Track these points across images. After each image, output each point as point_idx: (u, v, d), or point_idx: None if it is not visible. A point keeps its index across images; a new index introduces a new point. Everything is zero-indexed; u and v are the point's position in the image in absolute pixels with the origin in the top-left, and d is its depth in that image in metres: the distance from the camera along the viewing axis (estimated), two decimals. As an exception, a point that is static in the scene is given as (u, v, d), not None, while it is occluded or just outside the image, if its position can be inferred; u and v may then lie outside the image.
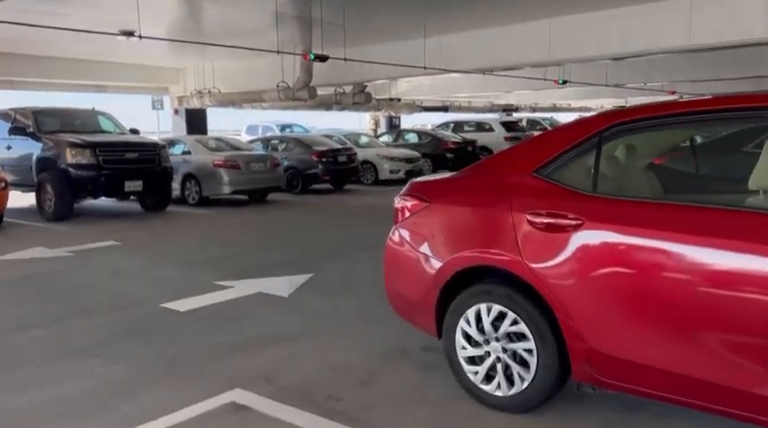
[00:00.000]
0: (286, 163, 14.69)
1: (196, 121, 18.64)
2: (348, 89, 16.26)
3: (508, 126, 21.09)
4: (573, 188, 3.08)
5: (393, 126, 24.38)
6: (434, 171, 19.00)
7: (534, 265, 3.05)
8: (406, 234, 3.69)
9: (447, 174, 3.95)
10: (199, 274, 6.71)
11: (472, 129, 21.62)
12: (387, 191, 15.06)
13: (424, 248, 3.55)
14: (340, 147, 16.01)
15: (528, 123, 24.27)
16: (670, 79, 18.31)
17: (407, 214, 3.70)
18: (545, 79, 14.66)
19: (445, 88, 22.93)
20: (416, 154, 17.75)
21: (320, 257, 7.57)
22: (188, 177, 12.65)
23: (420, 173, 17.79)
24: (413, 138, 20.21)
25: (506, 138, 20.66)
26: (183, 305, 5.55)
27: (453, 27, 11.69)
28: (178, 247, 8.51)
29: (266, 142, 16.18)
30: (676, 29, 9.59)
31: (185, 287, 6.13)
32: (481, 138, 20.33)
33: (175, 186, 12.38)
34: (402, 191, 3.84)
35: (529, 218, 3.11)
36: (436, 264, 3.45)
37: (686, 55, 17.17)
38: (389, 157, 17.08)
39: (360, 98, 15.69)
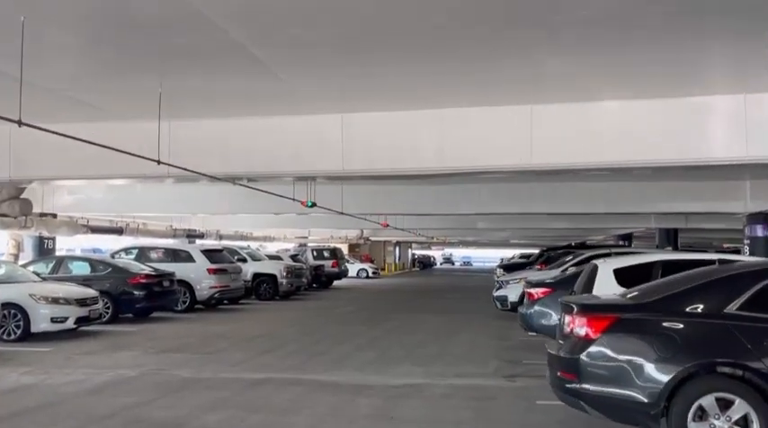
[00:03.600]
0: None
1: None
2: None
3: (211, 255, 16.85)
4: None
5: (45, 250, 17.85)
6: (116, 315, 13.50)
7: None
8: None
9: None
10: None
11: (163, 257, 16.73)
12: (49, 354, 9.24)
13: None
14: (-34, 282, 9.79)
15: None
16: (394, 210, 16.79)
17: None
18: (294, 199, 11.33)
19: (124, 204, 17.85)
20: (92, 292, 12.22)
21: None
22: None
23: (98, 319, 12.14)
24: (82, 268, 14.42)
25: (211, 271, 16.33)
26: None
27: (201, 111, 7.64)
28: None
29: None
30: (516, 144, 7.29)
31: None
32: (179, 270, 15.60)
33: None
34: None
35: None
36: None
37: (414, 187, 15.90)
38: (50, 298, 11.24)
39: (12, 208, 9.89)
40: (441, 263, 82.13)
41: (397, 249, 53.51)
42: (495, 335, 11.97)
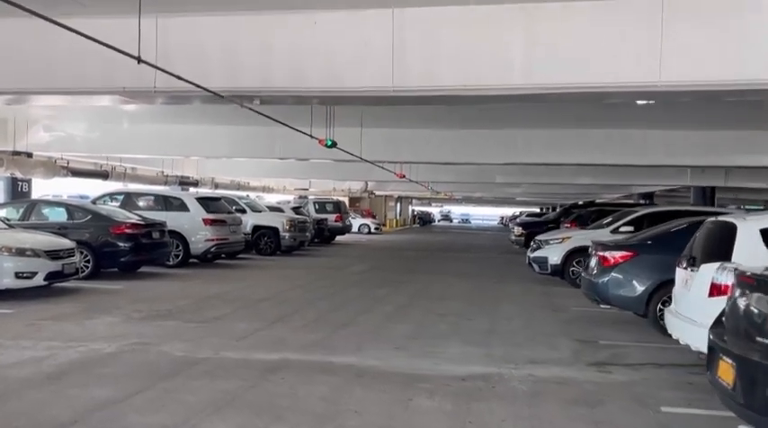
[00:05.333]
0: None
1: None
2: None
3: (207, 204, 14.86)
4: None
5: (20, 194, 15.81)
6: (97, 270, 11.59)
7: None
8: None
9: None
10: None
11: (153, 205, 14.74)
12: (9, 318, 7.17)
13: None
14: None
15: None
16: (416, 158, 14.80)
17: None
18: (311, 136, 9.33)
19: (109, 144, 15.77)
20: (67, 242, 10.30)
21: None
22: None
23: (74, 275, 10.20)
24: (58, 214, 12.47)
25: (208, 222, 14.38)
26: None
27: (201, 2, 5.55)
28: None
29: None
30: (640, 53, 5.27)
31: None
32: (171, 220, 13.65)
33: None
34: None
35: None
36: None
37: (441, 132, 13.92)
38: (14, 249, 9.34)
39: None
40: (439, 220, 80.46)
41: (399, 205, 51.66)
42: (545, 305, 10.16)
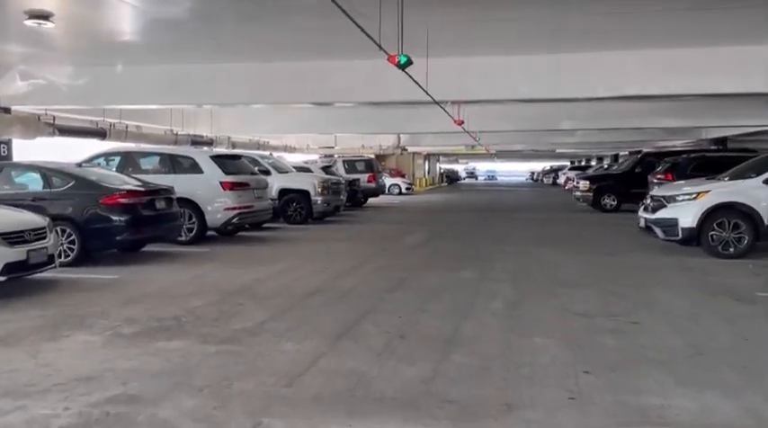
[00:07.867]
0: None
1: None
2: None
3: (224, 164, 11.85)
4: None
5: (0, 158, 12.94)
6: (85, 253, 8.73)
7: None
8: None
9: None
10: None
11: (159, 167, 11.78)
12: None
13: None
14: None
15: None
16: (489, 95, 11.65)
17: None
18: (380, 46, 6.27)
19: (99, 93, 12.80)
20: (36, 219, 7.41)
21: None
22: None
23: (48, 264, 7.29)
24: (32, 181, 9.52)
25: (227, 186, 11.39)
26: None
27: None
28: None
29: None
30: None
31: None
32: (180, 185, 10.68)
33: None
34: None
35: None
36: None
37: (523, 59, 10.72)
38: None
39: None
40: (464, 178, 77.13)
41: (427, 162, 48.42)
42: (710, 289, 7.13)
